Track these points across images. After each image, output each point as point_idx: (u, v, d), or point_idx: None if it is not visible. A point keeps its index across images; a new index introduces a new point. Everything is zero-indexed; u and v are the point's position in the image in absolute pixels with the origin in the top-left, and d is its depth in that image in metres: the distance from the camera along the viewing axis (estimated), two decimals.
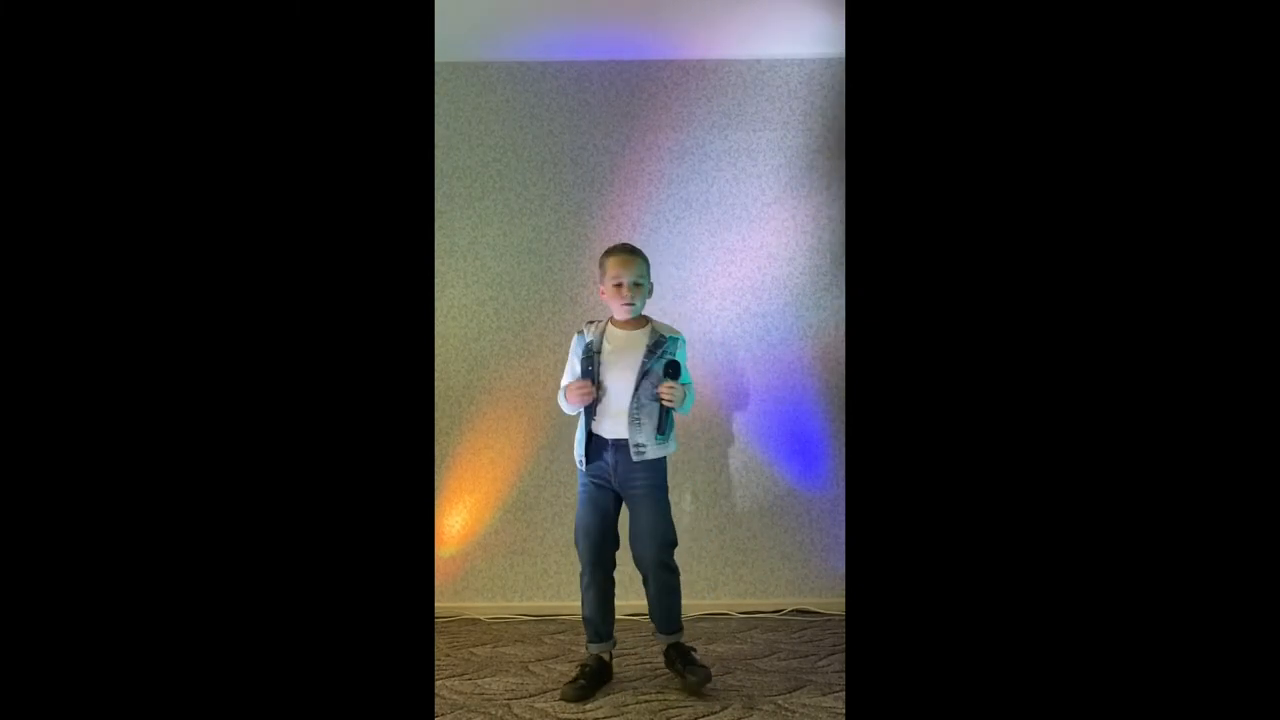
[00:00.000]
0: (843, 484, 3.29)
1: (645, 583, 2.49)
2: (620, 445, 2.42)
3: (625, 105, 3.46)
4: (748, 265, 3.43)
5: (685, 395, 2.42)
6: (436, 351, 3.35)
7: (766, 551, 3.38)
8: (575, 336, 2.56)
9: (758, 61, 3.45)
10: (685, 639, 2.52)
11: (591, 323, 2.57)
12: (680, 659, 2.46)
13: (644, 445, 2.42)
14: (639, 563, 2.47)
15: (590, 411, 2.46)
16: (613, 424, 2.44)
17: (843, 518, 3.27)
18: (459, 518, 3.38)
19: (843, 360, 3.17)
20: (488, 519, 3.39)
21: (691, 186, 3.45)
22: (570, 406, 2.50)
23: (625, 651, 2.76)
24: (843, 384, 3.29)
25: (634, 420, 2.41)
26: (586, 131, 3.45)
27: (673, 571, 2.48)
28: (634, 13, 3.11)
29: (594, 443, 2.46)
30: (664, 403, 2.39)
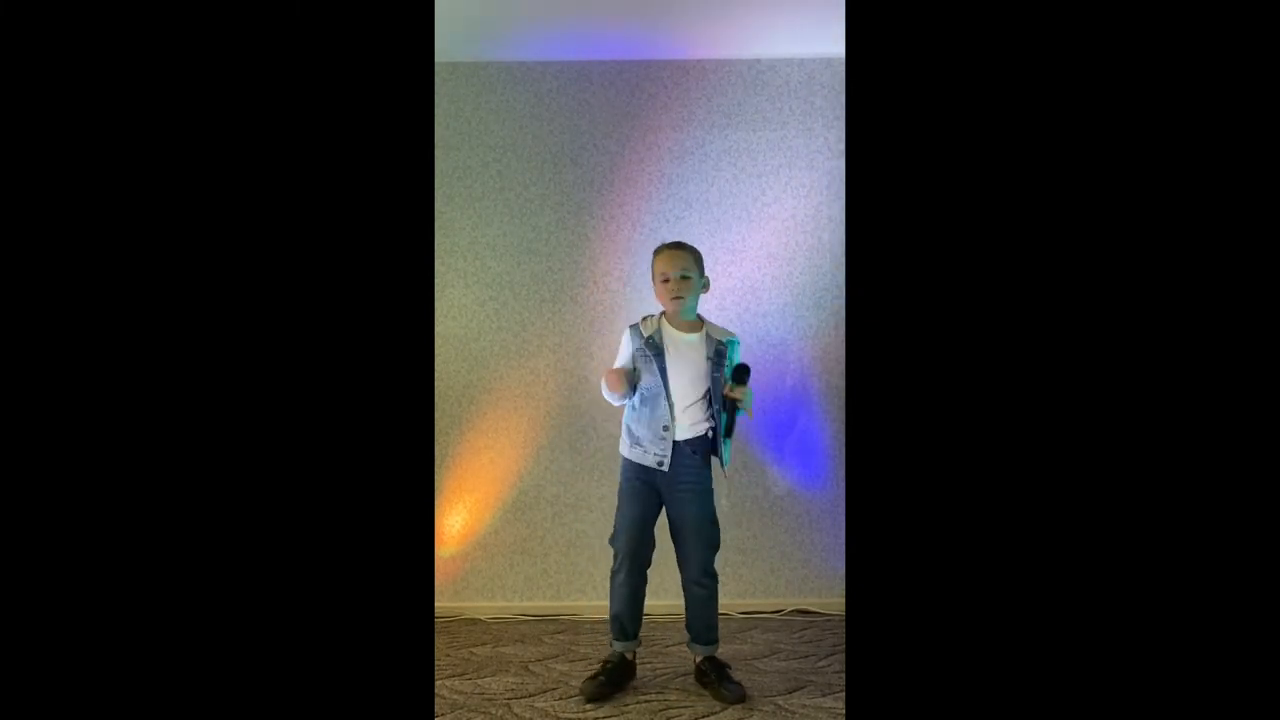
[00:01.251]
0: (843, 484, 3.29)
1: (685, 588, 2.47)
2: (678, 446, 2.41)
3: (625, 105, 3.46)
4: (748, 265, 3.43)
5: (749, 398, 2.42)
6: (436, 351, 3.35)
7: (766, 551, 3.37)
8: (627, 330, 2.50)
9: (758, 61, 3.45)
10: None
11: (647, 317, 2.51)
12: (715, 673, 2.42)
13: (724, 458, 2.45)
14: (683, 565, 2.45)
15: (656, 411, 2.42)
16: (679, 428, 2.41)
17: (843, 518, 3.26)
18: (459, 518, 3.38)
19: (843, 360, 3.17)
20: (488, 519, 3.39)
21: (691, 186, 3.45)
22: (611, 395, 2.45)
23: None
24: (843, 384, 3.29)
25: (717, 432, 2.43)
26: (586, 131, 3.45)
27: (714, 577, 2.47)
28: (634, 13, 3.11)
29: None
30: (737, 404, 2.37)
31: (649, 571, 2.50)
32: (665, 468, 2.40)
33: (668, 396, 2.40)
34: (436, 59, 2.89)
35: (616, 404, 2.50)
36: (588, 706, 2.30)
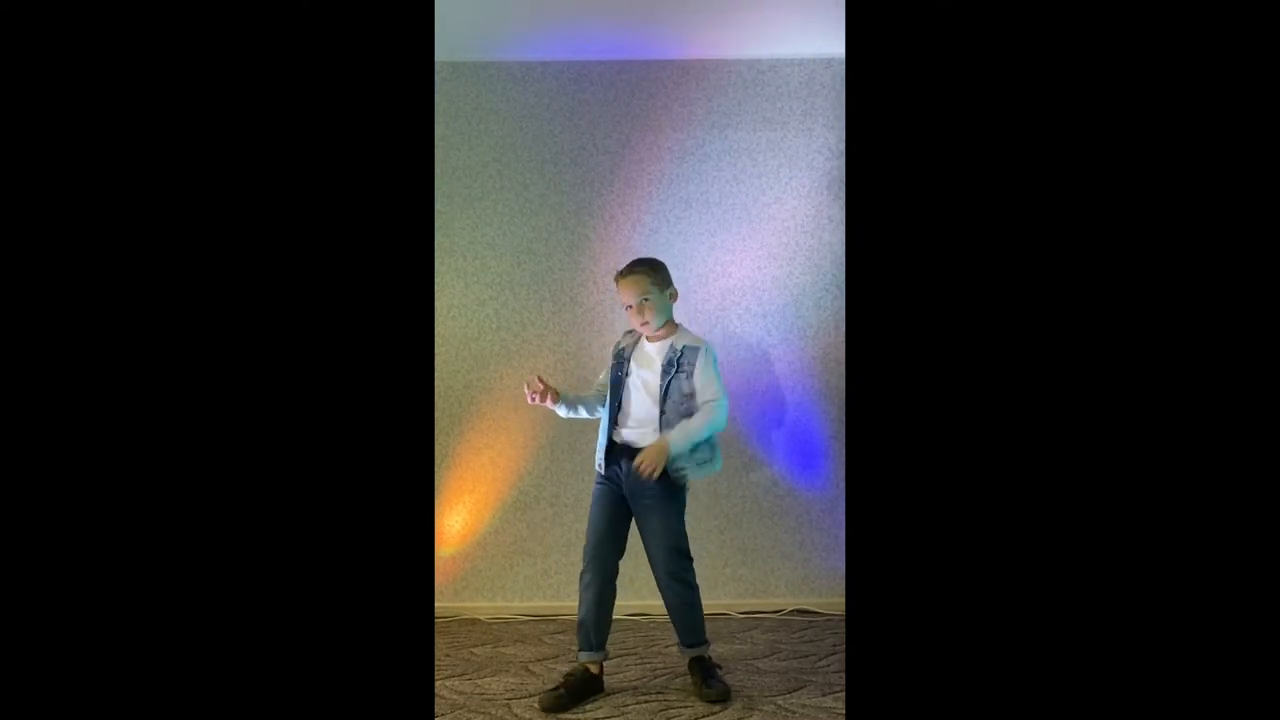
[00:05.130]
0: (843, 484, 3.29)
1: (660, 593, 2.45)
2: (634, 453, 2.41)
3: (625, 105, 3.46)
4: (748, 265, 3.43)
5: (682, 440, 2.36)
6: (436, 351, 3.35)
7: (766, 551, 3.37)
8: (614, 345, 2.59)
9: (758, 61, 3.45)
10: (710, 652, 2.48)
11: (629, 332, 2.56)
12: (701, 673, 2.41)
13: (683, 468, 2.39)
14: (653, 571, 2.44)
15: (613, 419, 2.47)
16: (630, 432, 2.44)
17: (843, 518, 3.26)
18: (459, 518, 3.38)
19: (843, 360, 3.17)
20: (488, 519, 3.39)
21: (691, 186, 3.45)
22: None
23: (625, 652, 2.76)
24: (843, 384, 3.29)
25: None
26: (586, 131, 3.45)
27: (687, 585, 2.42)
28: (634, 13, 3.11)
29: (614, 448, 2.46)
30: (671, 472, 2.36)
31: (630, 573, 2.49)
32: (601, 469, 2.48)
33: (615, 401, 2.48)
34: (436, 59, 2.89)
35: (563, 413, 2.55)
36: (587, 707, 2.29)
